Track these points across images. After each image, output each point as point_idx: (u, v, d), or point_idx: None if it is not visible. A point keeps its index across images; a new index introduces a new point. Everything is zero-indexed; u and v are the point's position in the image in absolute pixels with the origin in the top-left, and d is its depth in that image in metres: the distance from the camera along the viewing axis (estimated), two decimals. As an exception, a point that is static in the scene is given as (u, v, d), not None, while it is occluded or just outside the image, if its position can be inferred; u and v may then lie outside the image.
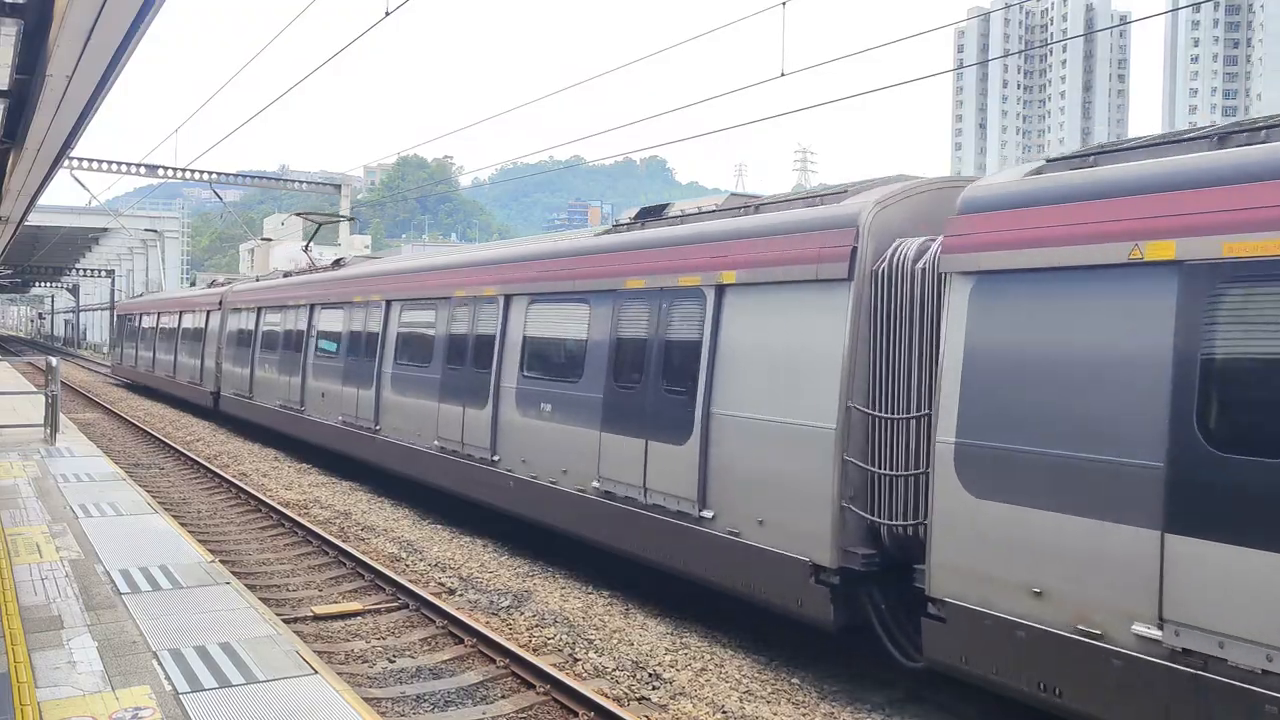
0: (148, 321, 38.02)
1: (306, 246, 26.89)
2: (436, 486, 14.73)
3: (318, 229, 27.14)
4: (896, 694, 8.29)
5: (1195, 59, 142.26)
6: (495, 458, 12.85)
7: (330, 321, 19.34)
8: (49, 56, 8.59)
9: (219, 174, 41.96)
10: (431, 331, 15.09)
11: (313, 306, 20.24)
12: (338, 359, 18.56)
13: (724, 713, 7.68)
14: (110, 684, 6.43)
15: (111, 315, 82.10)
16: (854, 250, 8.13)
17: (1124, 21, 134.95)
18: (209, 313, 28.58)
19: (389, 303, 16.67)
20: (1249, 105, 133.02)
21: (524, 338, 12.67)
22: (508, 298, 13.11)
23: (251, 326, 24.32)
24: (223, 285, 30.64)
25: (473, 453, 13.38)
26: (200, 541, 11.51)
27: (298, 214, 27.66)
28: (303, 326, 20.61)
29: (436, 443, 14.39)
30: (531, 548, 13.03)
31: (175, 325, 32.80)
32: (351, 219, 29.92)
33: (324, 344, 19.39)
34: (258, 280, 27.57)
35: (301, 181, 51.05)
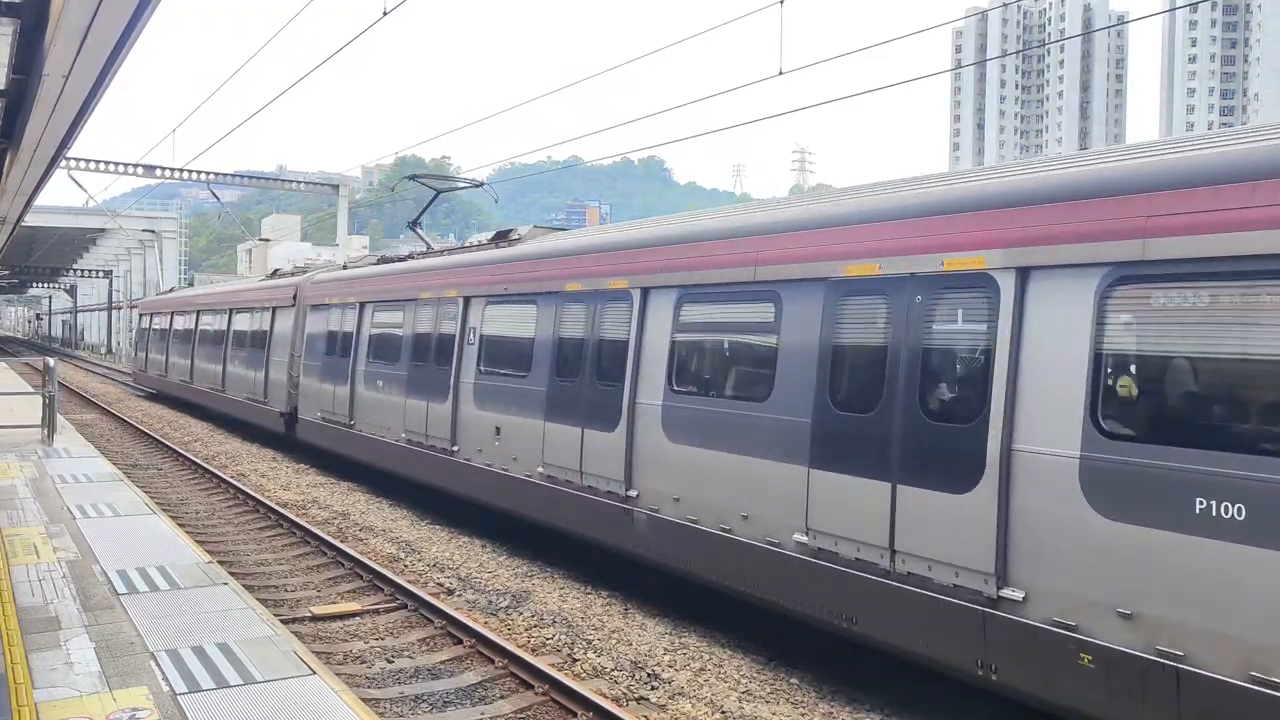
0: (182, 322, 32.61)
1: (416, 222, 20.21)
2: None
3: (435, 197, 20.01)
4: (896, 695, 8.28)
5: (1193, 59, 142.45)
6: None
7: (504, 323, 13.56)
8: (45, 56, 8.56)
9: (216, 174, 41.95)
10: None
11: (467, 300, 14.30)
12: (522, 378, 12.67)
13: (723, 713, 7.66)
14: (108, 685, 6.41)
15: (107, 316, 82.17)
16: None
17: (1121, 21, 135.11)
18: (275, 310, 22.97)
19: (647, 291, 10.69)
20: (1246, 105, 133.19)
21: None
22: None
23: (351, 328, 18.28)
24: (292, 274, 24.73)
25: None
26: (198, 542, 11.49)
27: (412, 177, 19.51)
28: (451, 329, 14.60)
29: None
30: (530, 548, 13.01)
31: (223, 327, 27.29)
32: (479, 184, 22.15)
33: (493, 355, 13.64)
34: (346, 268, 21.23)
35: (299, 182, 51.04)
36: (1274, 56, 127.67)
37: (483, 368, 13.73)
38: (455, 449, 14.09)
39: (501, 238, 14.98)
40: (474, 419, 13.75)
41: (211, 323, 28.72)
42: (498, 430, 13.06)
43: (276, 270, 27.93)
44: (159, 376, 35.29)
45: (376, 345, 17.20)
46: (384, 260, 19.68)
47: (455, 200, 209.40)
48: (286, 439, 21.87)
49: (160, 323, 36.07)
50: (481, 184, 22.33)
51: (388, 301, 17.05)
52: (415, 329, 15.73)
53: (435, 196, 19.90)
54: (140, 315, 41.57)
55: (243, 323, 25.52)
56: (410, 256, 18.14)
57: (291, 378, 21.27)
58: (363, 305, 17.93)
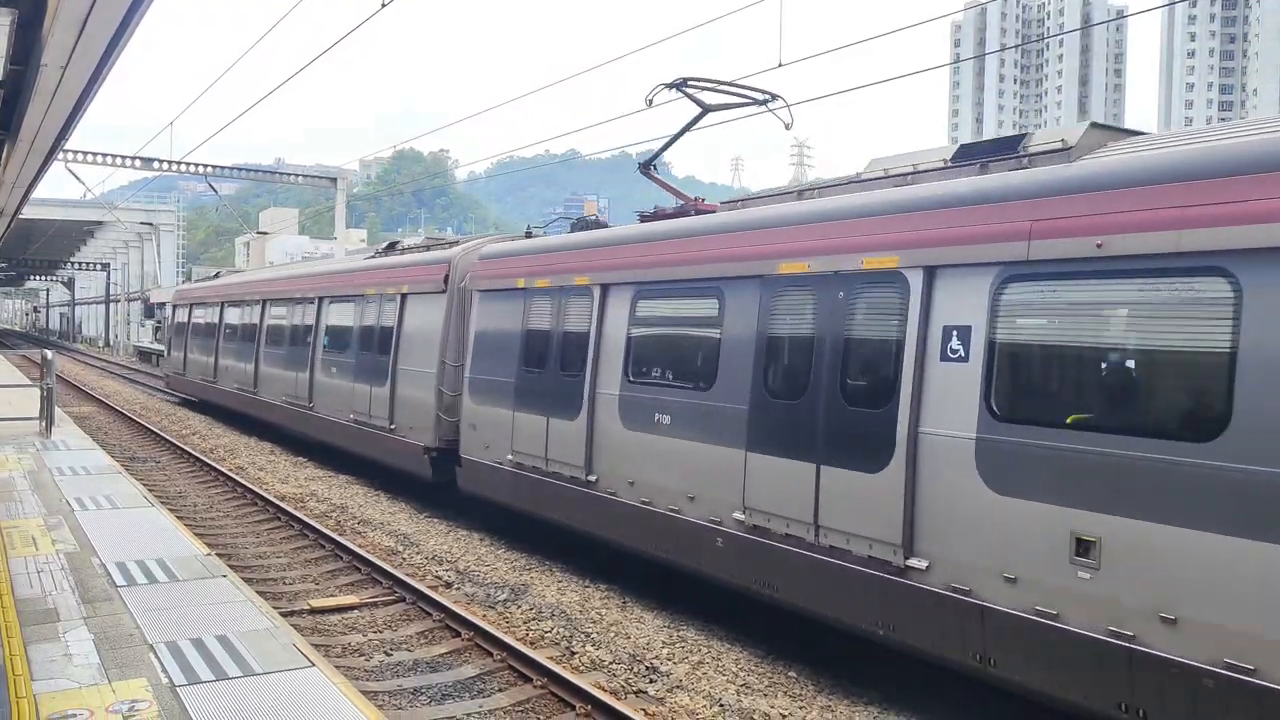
0: (237, 315, 26.08)
1: (651, 164, 13.04)
2: None
3: (700, 114, 12.34)
4: (893, 688, 8.29)
5: (1192, 54, 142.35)
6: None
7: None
8: (43, 47, 8.54)
9: (214, 167, 41.83)
10: None
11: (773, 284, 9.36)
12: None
13: (721, 705, 7.68)
14: (107, 676, 6.41)
15: (104, 309, 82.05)
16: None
17: (1120, 15, 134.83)
18: (407, 297, 16.19)
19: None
20: (1245, 100, 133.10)
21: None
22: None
23: (584, 325, 11.59)
24: (440, 246, 17.16)
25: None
26: (197, 535, 11.48)
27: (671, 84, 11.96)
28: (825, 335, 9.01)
29: None
30: (528, 541, 13.02)
31: (307, 320, 20.59)
32: (768, 97, 11.50)
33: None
34: (526, 238, 14.30)
35: (297, 175, 50.91)
36: (1272, 52, 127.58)
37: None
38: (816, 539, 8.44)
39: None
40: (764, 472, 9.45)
41: (287, 315, 22.01)
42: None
43: (394, 244, 19.34)
44: (203, 382, 28.53)
45: (649, 353, 10.70)
46: (583, 226, 13.20)
47: (453, 194, 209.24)
48: (436, 487, 15.10)
49: (205, 315, 29.30)
50: (772, 97, 11.95)
51: (676, 286, 10.33)
52: (768, 327, 9.02)
53: (701, 114, 12.37)
54: (175, 306, 33.91)
55: (344, 315, 18.71)
56: (656, 215, 11.84)
57: (443, 397, 14.71)
58: (606, 289, 11.21)
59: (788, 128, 12.59)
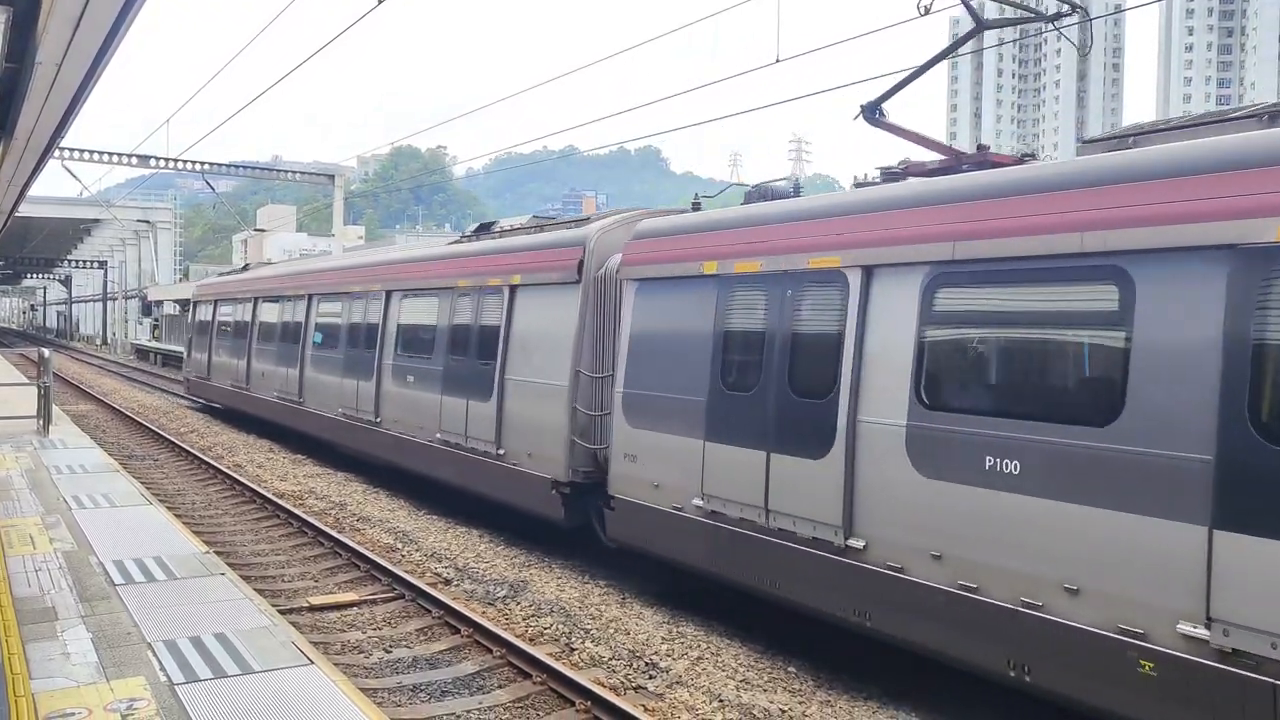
0: (274, 312, 22.82)
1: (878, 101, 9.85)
2: None
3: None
4: (893, 683, 8.29)
5: (1189, 48, 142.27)
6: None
7: None
8: (38, 44, 8.50)
9: (211, 164, 41.79)
10: None
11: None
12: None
13: (721, 701, 7.67)
14: (105, 675, 6.40)
15: (102, 307, 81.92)
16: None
17: (1118, 10, 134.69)
18: (516, 290, 13.00)
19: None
20: (1243, 94, 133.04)
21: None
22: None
23: (833, 325, 8.45)
24: (557, 226, 14.07)
25: None
26: (195, 533, 11.47)
27: None
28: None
29: None
30: (528, 537, 13.01)
31: (370, 318, 17.43)
32: None
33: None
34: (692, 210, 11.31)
35: (294, 171, 50.83)
36: (1270, 45, 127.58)
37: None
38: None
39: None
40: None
41: (341, 313, 18.84)
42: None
43: (487, 225, 16.15)
44: (232, 389, 25.28)
45: (952, 363, 7.70)
46: (756, 196, 10.55)
47: (451, 190, 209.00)
48: (570, 532, 12.04)
49: (233, 313, 25.92)
50: (1072, 8, 9.88)
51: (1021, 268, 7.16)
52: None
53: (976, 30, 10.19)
54: (197, 303, 30.17)
55: (421, 313, 15.63)
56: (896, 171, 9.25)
57: (577, 416, 11.55)
58: (871, 274, 8.14)
59: (1083, 52, 10.94)
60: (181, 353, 50.28)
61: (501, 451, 12.86)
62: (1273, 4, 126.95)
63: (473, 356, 13.74)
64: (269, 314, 23.18)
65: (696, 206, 11.33)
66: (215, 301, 27.76)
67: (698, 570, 9.77)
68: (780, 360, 8.78)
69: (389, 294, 16.91)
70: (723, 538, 9.28)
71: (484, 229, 15.94)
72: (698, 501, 9.55)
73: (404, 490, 16.47)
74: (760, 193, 10.58)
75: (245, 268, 30.51)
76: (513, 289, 13.06)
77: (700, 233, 10.17)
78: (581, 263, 11.75)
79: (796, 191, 10.68)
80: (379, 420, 16.61)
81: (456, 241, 16.66)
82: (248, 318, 24.59)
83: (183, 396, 32.27)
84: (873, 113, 9.84)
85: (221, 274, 34.91)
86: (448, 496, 15.08)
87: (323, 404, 19.20)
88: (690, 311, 9.91)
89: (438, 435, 14.42)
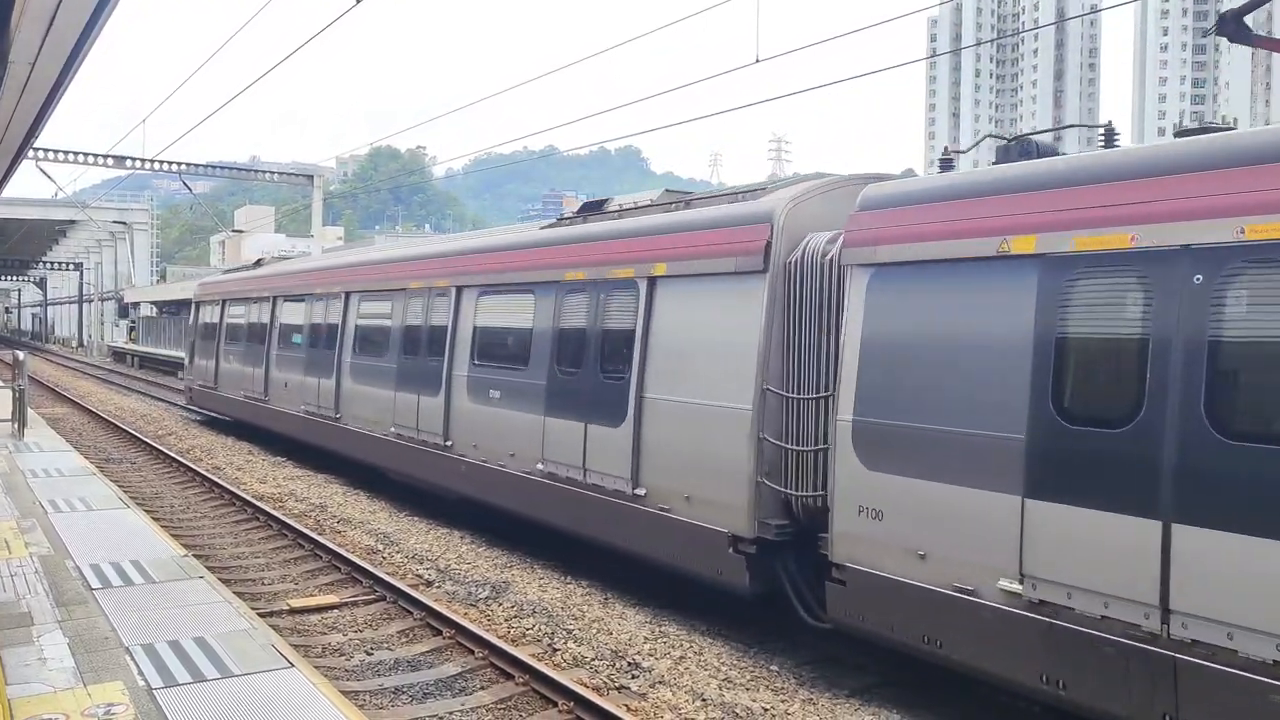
0: (297, 314, 19.86)
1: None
2: None
3: None
4: (873, 681, 8.33)
5: (1165, 48, 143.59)
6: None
7: None
8: (10, 42, 8.40)
9: (188, 165, 41.47)
10: None
11: None
12: None
13: (704, 700, 7.68)
14: (82, 680, 6.34)
15: (78, 309, 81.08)
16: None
17: (1094, 10, 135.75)
18: (652, 284, 10.48)
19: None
20: (1218, 94, 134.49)
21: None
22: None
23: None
24: (708, 200, 11.03)
25: None
26: (173, 536, 11.38)
27: None
28: None
29: None
30: (510, 539, 12.98)
31: (438, 323, 14.39)
32: None
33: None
34: (942, 169, 8.45)
35: (272, 172, 50.53)
36: (1244, 46, 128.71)
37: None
38: None
39: None
40: None
41: (392, 314, 15.83)
42: None
43: (597, 203, 13.19)
44: (246, 400, 22.18)
45: None
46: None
47: (430, 191, 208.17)
48: (751, 602, 9.36)
49: (246, 314, 22.91)
50: None
51: None
52: None
53: None
54: (200, 303, 26.91)
55: (509, 313, 12.88)
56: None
57: (764, 450, 8.90)
58: None
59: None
60: (160, 355, 49.25)
61: (640, 491, 10.09)
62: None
63: (592, 368, 11.03)
64: (293, 315, 20.02)
65: (948, 164, 8.36)
66: (223, 301, 24.49)
67: (1008, 683, 6.93)
68: (1184, 381, 5.82)
69: (459, 290, 13.88)
70: (1067, 642, 6.32)
71: (593, 208, 13.00)
72: (1009, 585, 6.69)
73: (385, 492, 16.38)
74: (1024, 149, 8.00)
75: (259, 262, 26.75)
76: (652, 281, 10.29)
77: (996, 195, 7.20)
78: (769, 245, 8.94)
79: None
80: (450, 444, 13.67)
81: (554, 225, 13.31)
82: (265, 319, 21.37)
83: (171, 402, 31.92)
84: (1237, 23, 8.07)
85: (228, 271, 30.95)
86: (429, 499, 15.02)
87: (368, 422, 16.13)
88: (981, 308, 7.13)
89: (539, 466, 11.66)
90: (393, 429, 15.16)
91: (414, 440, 14.53)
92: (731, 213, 9.75)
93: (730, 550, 8.97)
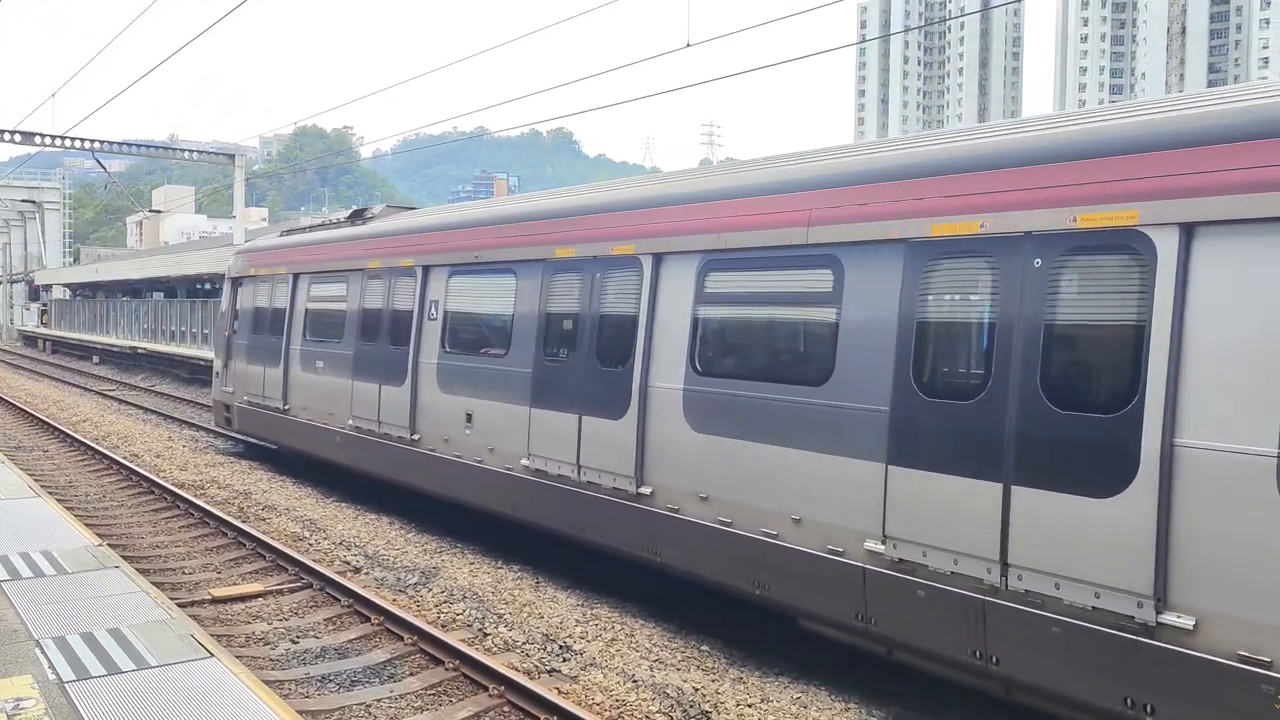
0: (478, 295, 11.73)
1: None
2: None
3: None
4: (800, 660, 8.43)
5: (1085, 39, 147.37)
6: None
7: None
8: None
9: (103, 142, 39.96)
10: None
11: None
12: None
13: (635, 681, 7.69)
14: (-12, 676, 6.08)
15: (9, 288, 77.60)
16: None
17: None
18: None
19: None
20: (1134, 85, 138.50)
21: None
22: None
23: None
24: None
25: None
26: (87, 525, 11.00)
27: None
28: None
29: None
30: (440, 524, 12.84)
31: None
32: None
33: None
34: None
35: (192, 151, 48.98)
36: (1160, 37, 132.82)
37: None
38: None
39: None
40: None
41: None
42: None
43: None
44: (323, 428, 14.80)
45: None
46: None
47: (358, 172, 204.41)
48: None
49: (310, 299, 15.67)
50: None
51: None
52: None
53: None
54: (238, 282, 18.52)
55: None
56: None
57: None
58: None
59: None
60: (73, 339, 47.45)
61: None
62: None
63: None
64: (475, 296, 11.97)
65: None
66: (294, 277, 16.18)
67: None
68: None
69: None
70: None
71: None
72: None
73: (310, 478, 16.05)
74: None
75: (360, 215, 16.55)
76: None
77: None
78: None
79: None
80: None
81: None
82: (409, 304, 12.90)
83: (84, 388, 30.81)
84: None
85: (289, 231, 19.35)
86: (356, 483, 14.74)
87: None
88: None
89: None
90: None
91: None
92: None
93: None
